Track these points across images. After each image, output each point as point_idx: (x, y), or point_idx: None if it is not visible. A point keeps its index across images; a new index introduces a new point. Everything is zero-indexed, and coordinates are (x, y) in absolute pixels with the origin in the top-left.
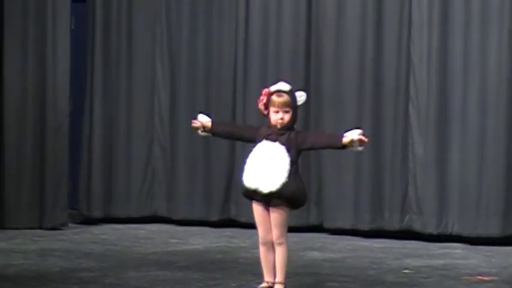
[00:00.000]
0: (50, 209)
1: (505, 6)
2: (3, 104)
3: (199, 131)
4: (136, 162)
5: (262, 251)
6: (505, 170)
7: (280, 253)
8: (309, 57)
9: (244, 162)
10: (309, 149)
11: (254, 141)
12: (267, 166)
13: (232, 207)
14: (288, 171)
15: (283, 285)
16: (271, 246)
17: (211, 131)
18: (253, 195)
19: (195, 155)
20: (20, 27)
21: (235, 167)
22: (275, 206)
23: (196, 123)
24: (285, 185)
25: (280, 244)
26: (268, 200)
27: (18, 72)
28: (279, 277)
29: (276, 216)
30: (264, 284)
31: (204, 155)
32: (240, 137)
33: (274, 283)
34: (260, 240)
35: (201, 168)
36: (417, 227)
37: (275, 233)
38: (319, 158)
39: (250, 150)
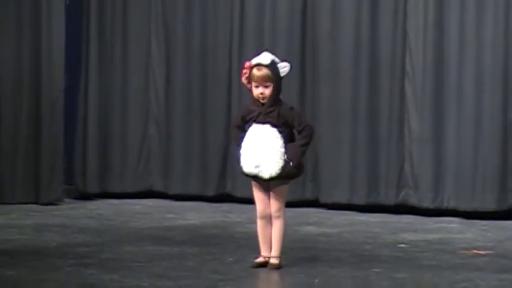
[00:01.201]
0: (45, 184)
1: None
2: None
3: None
4: (132, 138)
5: (259, 225)
6: (501, 144)
7: (277, 226)
8: (304, 34)
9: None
10: None
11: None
12: (262, 152)
13: (228, 182)
14: (284, 153)
15: (279, 259)
16: (269, 220)
17: None
18: (254, 178)
19: (191, 130)
20: (15, 3)
21: (231, 142)
22: (275, 184)
23: None
24: (283, 167)
25: (278, 217)
26: (268, 180)
27: (13, 48)
28: (275, 251)
29: (276, 191)
30: (260, 259)
31: (200, 131)
32: None
33: (270, 257)
34: (258, 214)
35: (196, 143)
36: (413, 201)
37: (274, 206)
38: (316, 133)
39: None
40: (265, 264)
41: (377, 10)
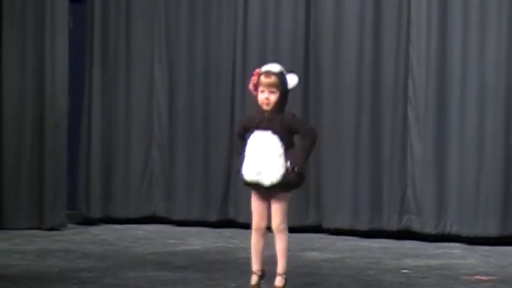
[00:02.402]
0: (48, 210)
1: (503, 7)
2: (2, 104)
3: None
4: (135, 163)
5: (254, 237)
6: (503, 170)
7: (280, 240)
8: (307, 59)
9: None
10: None
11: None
12: (264, 159)
13: (230, 208)
14: (286, 161)
15: (284, 277)
16: (263, 233)
17: None
18: (254, 187)
19: (194, 155)
20: (19, 27)
21: (234, 167)
22: (276, 193)
23: None
24: (284, 175)
25: (281, 231)
26: (269, 189)
27: (17, 71)
28: (280, 267)
29: (278, 203)
30: (253, 280)
31: (203, 156)
32: None
33: (263, 270)
34: (253, 226)
35: (199, 168)
36: (416, 227)
37: (276, 220)
38: (318, 158)
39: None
40: (260, 280)
41: (379, 35)
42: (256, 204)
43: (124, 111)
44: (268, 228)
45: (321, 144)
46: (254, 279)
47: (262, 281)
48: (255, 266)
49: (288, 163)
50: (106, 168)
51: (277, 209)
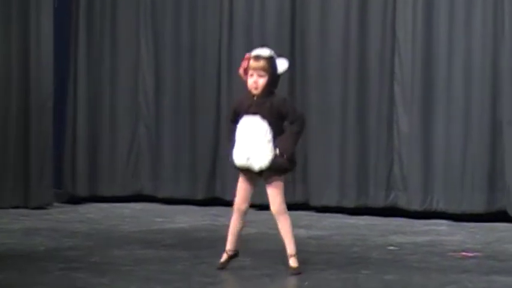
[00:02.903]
0: (35, 188)
1: None
2: None
3: None
4: (121, 141)
5: (233, 217)
6: (489, 146)
7: (282, 223)
8: (293, 35)
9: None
10: None
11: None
12: (253, 144)
13: (217, 186)
14: (275, 147)
15: (296, 257)
16: (242, 215)
17: None
18: (245, 171)
19: (180, 133)
20: (3, 6)
21: (220, 145)
22: (268, 178)
23: None
24: (273, 160)
25: (280, 213)
26: (260, 173)
27: (2, 50)
28: (289, 249)
29: (273, 187)
30: (223, 258)
31: (189, 134)
32: None
33: (236, 250)
34: (235, 206)
35: (186, 146)
36: (402, 204)
37: (275, 203)
38: (305, 135)
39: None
40: (230, 259)
41: (366, 11)
42: (242, 186)
43: (110, 90)
44: (252, 206)
45: (308, 122)
46: (224, 257)
47: (233, 260)
48: (229, 245)
49: (277, 150)
50: (92, 147)
51: (273, 193)
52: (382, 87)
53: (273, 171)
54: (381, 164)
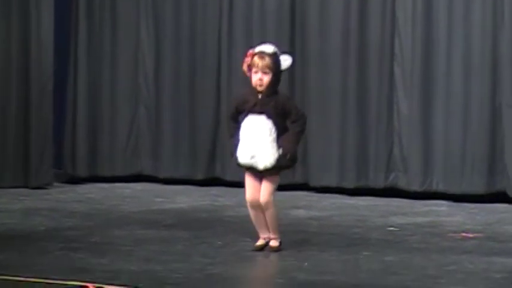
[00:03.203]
0: (35, 169)
1: None
2: None
3: None
4: (121, 122)
5: (251, 212)
6: (489, 128)
7: (269, 215)
8: (293, 19)
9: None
10: None
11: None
12: (258, 143)
13: (217, 166)
14: (279, 144)
15: (278, 241)
16: (258, 207)
17: None
18: (248, 168)
19: (180, 114)
20: None
21: (220, 126)
22: (267, 174)
23: None
24: (278, 159)
25: (267, 207)
26: (262, 171)
27: (2, 34)
28: (273, 233)
29: (268, 181)
30: (259, 242)
31: (189, 114)
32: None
33: (270, 238)
34: (248, 203)
35: (186, 127)
36: (402, 184)
37: (263, 197)
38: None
39: None
40: (264, 247)
41: None
42: (249, 180)
43: (110, 71)
44: None
45: (308, 103)
46: (260, 241)
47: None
48: (261, 233)
49: (281, 150)
50: (92, 127)
51: (266, 187)
52: (382, 69)
53: (275, 169)
54: (381, 145)
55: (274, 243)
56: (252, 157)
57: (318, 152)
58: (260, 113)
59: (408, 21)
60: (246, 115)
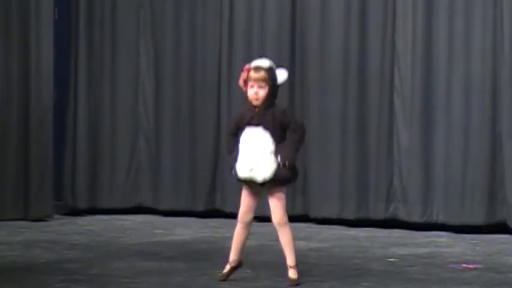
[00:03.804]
0: (35, 200)
1: None
2: None
3: None
4: (121, 153)
5: (237, 228)
6: (489, 158)
7: (284, 235)
8: (293, 47)
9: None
10: None
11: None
12: (256, 155)
13: (217, 198)
14: (277, 157)
15: (295, 269)
16: (247, 226)
17: None
18: (248, 183)
19: (180, 145)
20: (3, 18)
21: (220, 157)
22: (271, 189)
23: None
24: (277, 171)
25: (282, 225)
26: (263, 185)
27: (2, 63)
28: (289, 260)
29: (275, 198)
30: (226, 269)
31: (189, 146)
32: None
33: (240, 261)
34: (239, 218)
35: (186, 158)
36: (402, 215)
37: (277, 215)
38: (305, 147)
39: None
40: (233, 271)
41: (366, 23)
42: (245, 198)
43: (110, 102)
44: (256, 218)
45: (308, 133)
46: (227, 268)
47: (235, 271)
48: (232, 256)
49: (278, 158)
50: (92, 159)
51: (275, 205)
52: (382, 99)
53: (276, 182)
54: (381, 176)
55: (292, 274)
56: (251, 170)
57: (318, 182)
58: (257, 125)
59: (408, 52)
60: (243, 129)
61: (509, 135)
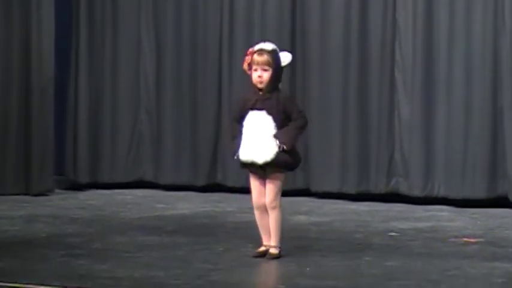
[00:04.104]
0: (36, 175)
1: None
2: None
3: None
4: (122, 128)
5: (256, 215)
6: (491, 132)
7: (272, 217)
8: (294, 24)
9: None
10: None
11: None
12: (257, 138)
13: (218, 172)
14: (278, 140)
15: (278, 249)
16: (264, 210)
17: None
18: (250, 167)
19: (181, 120)
20: None
21: (222, 132)
22: (271, 173)
23: None
24: (278, 154)
25: (273, 208)
26: (264, 168)
27: (3, 37)
28: (273, 241)
29: (271, 181)
30: (261, 248)
31: (190, 120)
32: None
33: (270, 246)
34: (253, 204)
35: (187, 133)
36: (403, 189)
37: (268, 198)
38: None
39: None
40: (265, 253)
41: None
42: (254, 184)
43: (111, 76)
44: None
45: (309, 108)
46: (261, 249)
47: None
48: (264, 240)
49: (277, 141)
50: (93, 133)
51: (270, 188)
52: (383, 74)
53: (276, 166)
54: (382, 151)
55: (273, 250)
56: (252, 152)
57: (319, 157)
58: (260, 109)
59: (409, 27)
60: (247, 113)
61: (511, 109)
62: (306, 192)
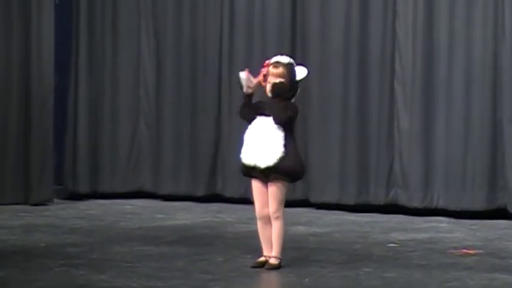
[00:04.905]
0: (35, 185)
1: None
2: None
3: (246, 86)
4: (122, 137)
5: (258, 225)
6: (490, 143)
7: (275, 227)
8: (294, 32)
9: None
10: None
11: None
12: (262, 142)
13: (218, 182)
14: (283, 146)
15: (278, 260)
16: (267, 220)
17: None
18: (252, 172)
19: (181, 129)
20: (4, 3)
21: (221, 142)
22: (273, 180)
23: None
24: (281, 160)
25: (276, 218)
26: (267, 175)
27: (3, 47)
28: (275, 251)
29: (274, 190)
30: (261, 258)
31: (190, 130)
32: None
33: (270, 257)
34: (256, 215)
35: (186, 143)
36: (403, 201)
37: (271, 207)
38: (305, 132)
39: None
40: (264, 264)
41: (367, 9)
42: (257, 193)
43: (111, 86)
44: None
45: (308, 119)
46: (261, 259)
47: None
48: (264, 251)
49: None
50: (93, 143)
51: (272, 196)
52: (382, 85)
53: (279, 173)
54: (381, 161)
55: (273, 260)
56: (255, 156)
57: (319, 168)
58: (268, 115)
59: (409, 38)
60: (255, 117)
61: (510, 121)
62: (305, 203)
